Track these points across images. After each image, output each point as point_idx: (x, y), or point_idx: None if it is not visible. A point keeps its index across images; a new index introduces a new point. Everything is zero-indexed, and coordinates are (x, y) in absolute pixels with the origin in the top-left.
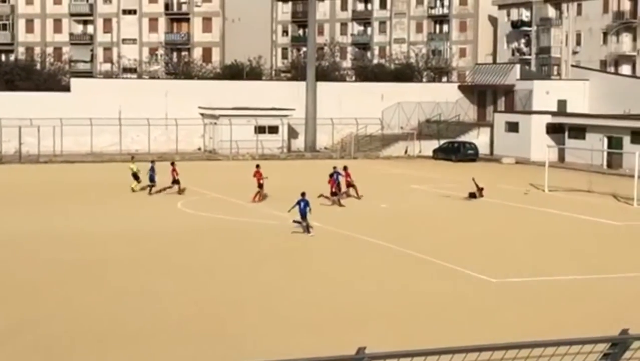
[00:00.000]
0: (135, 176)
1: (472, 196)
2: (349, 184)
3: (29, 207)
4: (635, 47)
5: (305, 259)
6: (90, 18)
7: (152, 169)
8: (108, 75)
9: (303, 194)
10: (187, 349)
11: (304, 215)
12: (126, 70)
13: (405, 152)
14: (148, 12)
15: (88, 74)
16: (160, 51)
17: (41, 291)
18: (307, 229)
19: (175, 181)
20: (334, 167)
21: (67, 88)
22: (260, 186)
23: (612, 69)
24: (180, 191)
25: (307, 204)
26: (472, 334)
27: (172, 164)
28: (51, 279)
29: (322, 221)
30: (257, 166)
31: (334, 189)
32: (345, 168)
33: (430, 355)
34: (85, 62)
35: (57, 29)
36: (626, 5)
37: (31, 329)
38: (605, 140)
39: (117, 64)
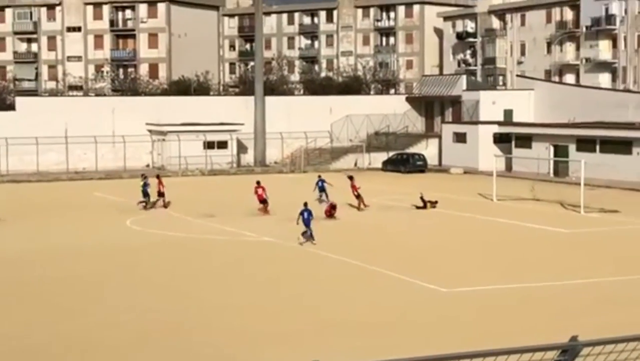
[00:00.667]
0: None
1: (421, 206)
2: (357, 195)
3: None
4: (579, 56)
5: (255, 273)
6: (34, 36)
7: (146, 184)
8: (53, 93)
9: (305, 204)
10: None
11: (307, 224)
12: (72, 87)
13: (355, 164)
14: (93, 29)
15: (33, 93)
16: (106, 68)
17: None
18: (311, 237)
19: (161, 194)
20: (319, 176)
21: (11, 107)
22: (263, 201)
23: (557, 78)
24: (166, 205)
25: (310, 213)
26: (422, 344)
27: (158, 177)
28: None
29: (274, 235)
30: (258, 182)
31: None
32: (350, 178)
33: None
34: (29, 80)
35: (1, 47)
36: (569, 15)
37: None
38: (552, 148)
39: (62, 81)
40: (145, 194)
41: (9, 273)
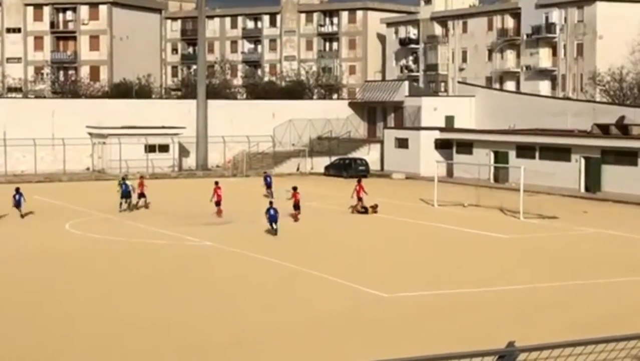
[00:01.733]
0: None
1: (364, 211)
2: (359, 198)
3: None
4: (519, 63)
5: (195, 279)
6: None
7: (126, 185)
8: None
9: (271, 203)
10: None
11: (274, 220)
12: (11, 89)
13: (297, 169)
14: (33, 30)
15: None
16: (47, 70)
17: None
18: (275, 231)
19: (142, 195)
20: (265, 172)
21: None
22: (217, 203)
23: (497, 85)
24: (146, 205)
25: (275, 211)
26: (364, 349)
27: (141, 177)
28: None
29: (215, 239)
30: (216, 183)
31: (295, 202)
32: (359, 181)
33: None
34: None
35: None
36: (510, 23)
37: None
38: (492, 155)
39: (1, 83)
40: (128, 195)
41: None
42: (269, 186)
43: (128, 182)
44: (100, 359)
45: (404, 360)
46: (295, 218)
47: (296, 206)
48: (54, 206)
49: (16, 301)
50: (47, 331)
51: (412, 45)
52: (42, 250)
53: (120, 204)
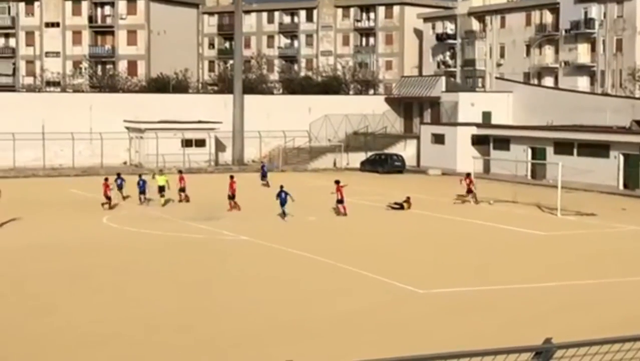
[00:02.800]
0: (161, 189)
1: (399, 207)
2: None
3: None
4: (557, 59)
5: (230, 272)
6: (12, 31)
7: (143, 181)
8: (31, 89)
9: (281, 186)
10: None
11: (283, 204)
12: (49, 83)
13: (334, 164)
14: (72, 24)
15: (10, 88)
16: (85, 64)
17: None
18: (284, 214)
19: (182, 190)
20: (262, 162)
21: None
22: (231, 196)
23: (535, 81)
24: (187, 199)
25: (286, 194)
26: (399, 345)
27: (180, 172)
28: None
29: (252, 234)
30: (231, 177)
31: (339, 197)
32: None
33: None
34: (7, 75)
35: None
36: (548, 18)
37: None
38: (529, 151)
39: (40, 77)
40: (143, 191)
41: None
42: (264, 175)
43: (145, 177)
44: (131, 349)
45: (436, 355)
46: (338, 211)
47: (340, 200)
48: (91, 200)
49: (53, 290)
50: (76, 317)
51: (450, 41)
52: (80, 243)
53: (140, 199)
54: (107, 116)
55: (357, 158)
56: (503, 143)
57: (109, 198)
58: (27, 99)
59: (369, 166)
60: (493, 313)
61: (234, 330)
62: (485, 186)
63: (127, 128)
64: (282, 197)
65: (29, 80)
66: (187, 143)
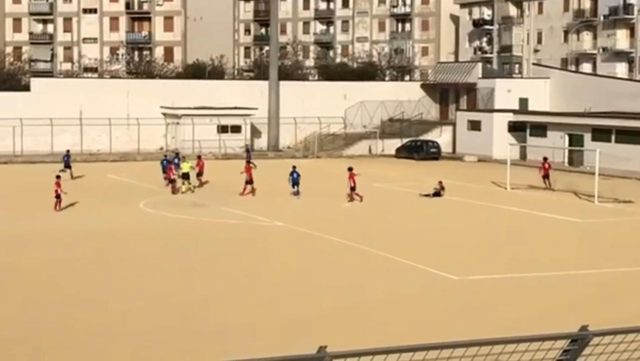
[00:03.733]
0: (186, 176)
1: (435, 194)
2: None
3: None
4: (596, 45)
5: (265, 258)
6: (50, 17)
7: (167, 160)
8: (68, 74)
9: (294, 167)
10: (144, 351)
11: (296, 183)
12: (87, 69)
13: (369, 151)
14: (109, 11)
15: (48, 74)
16: (122, 50)
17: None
18: (297, 193)
19: (200, 174)
20: (246, 145)
21: (27, 88)
22: (249, 181)
23: (573, 67)
24: (201, 183)
25: (298, 175)
26: (433, 331)
27: (198, 157)
28: (10, 282)
29: (287, 220)
30: (248, 162)
31: (352, 184)
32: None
33: (391, 353)
34: (45, 61)
35: (17, 28)
36: (586, 4)
37: None
38: (566, 138)
39: (77, 63)
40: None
41: (29, 256)
42: (249, 158)
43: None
44: (170, 338)
45: (471, 341)
46: (352, 198)
47: (353, 188)
48: (128, 185)
49: (90, 276)
50: (111, 306)
51: (486, 27)
52: (118, 228)
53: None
54: (144, 102)
55: (392, 145)
56: (540, 130)
57: (172, 180)
58: (65, 85)
59: (405, 152)
60: (528, 300)
61: (268, 317)
62: (521, 173)
63: (164, 114)
64: (294, 177)
65: (66, 66)
66: (222, 129)
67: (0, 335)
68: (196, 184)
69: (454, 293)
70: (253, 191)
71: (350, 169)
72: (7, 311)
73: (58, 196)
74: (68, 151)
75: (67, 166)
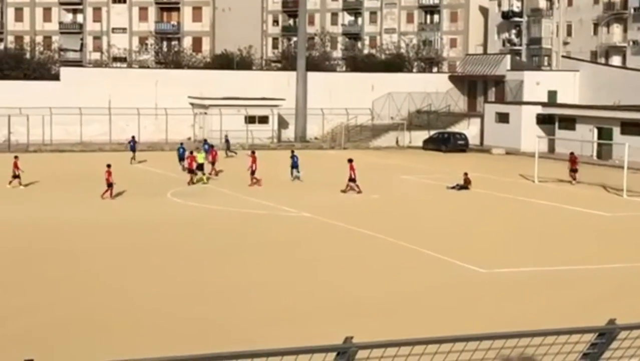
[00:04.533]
0: (200, 167)
1: (462, 187)
2: (352, 179)
3: (16, 196)
4: (626, 38)
5: (293, 249)
6: (80, 7)
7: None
8: (98, 64)
9: (292, 151)
10: (168, 338)
11: (295, 166)
12: (116, 59)
13: (396, 142)
14: (138, 1)
15: (78, 63)
16: (150, 40)
17: (26, 280)
18: (298, 177)
19: (212, 163)
20: (225, 134)
21: (56, 77)
22: (252, 172)
23: (603, 60)
24: (215, 173)
25: (297, 158)
26: (460, 324)
27: (212, 147)
28: (37, 269)
29: (313, 211)
30: (253, 152)
31: (352, 175)
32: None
33: (417, 344)
34: (74, 51)
35: (47, 17)
36: None
37: (16, 318)
38: (596, 131)
39: (106, 53)
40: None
41: (42, 244)
42: (228, 147)
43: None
44: (198, 324)
45: (497, 334)
46: (351, 189)
47: (353, 179)
48: (156, 175)
49: (120, 264)
50: (138, 295)
51: (515, 19)
52: (147, 217)
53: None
54: (172, 92)
55: (419, 136)
56: (569, 123)
57: (191, 171)
58: (94, 74)
59: (432, 144)
60: (555, 294)
61: (295, 307)
62: (549, 166)
63: (192, 104)
64: (294, 160)
65: (95, 55)
66: (250, 120)
67: (33, 320)
68: (211, 172)
69: (480, 286)
70: (258, 181)
71: (350, 160)
72: (41, 297)
73: (110, 185)
74: (133, 137)
75: (132, 150)
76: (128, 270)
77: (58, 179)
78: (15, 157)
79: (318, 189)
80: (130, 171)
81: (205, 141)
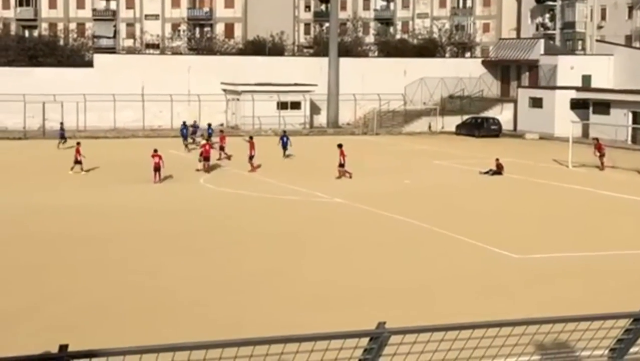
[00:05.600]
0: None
1: (495, 172)
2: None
3: (52, 181)
4: None
5: (325, 234)
6: None
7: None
8: (131, 51)
9: (284, 132)
10: (201, 324)
11: (285, 147)
12: (149, 46)
13: (429, 128)
14: None
15: (111, 50)
16: (183, 27)
17: (60, 266)
18: (286, 156)
19: (222, 148)
20: (194, 122)
21: (90, 64)
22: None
23: (638, 44)
24: (226, 157)
25: (288, 138)
26: (493, 310)
27: (221, 132)
28: (73, 255)
29: (346, 196)
30: (251, 137)
31: (341, 161)
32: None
33: (450, 330)
34: (108, 38)
35: (80, 4)
36: None
37: (46, 306)
38: (630, 115)
39: (139, 39)
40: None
41: (90, 230)
42: (194, 132)
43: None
44: (229, 308)
45: (531, 320)
46: (341, 175)
47: (342, 164)
48: (189, 161)
49: (157, 248)
50: (176, 279)
51: (549, 3)
52: (179, 203)
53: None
54: (204, 78)
55: (452, 122)
56: (603, 107)
57: (207, 158)
58: (127, 61)
59: (465, 129)
60: (589, 279)
61: (328, 292)
62: (583, 151)
63: (224, 90)
64: (284, 141)
65: (129, 42)
66: (282, 106)
67: (72, 303)
68: (221, 157)
69: (514, 272)
70: (208, 169)
71: (340, 145)
72: (80, 280)
73: (157, 169)
74: (195, 121)
75: (184, 137)
76: (165, 255)
77: (115, 165)
78: (78, 143)
79: (356, 176)
80: (165, 157)
81: (209, 125)
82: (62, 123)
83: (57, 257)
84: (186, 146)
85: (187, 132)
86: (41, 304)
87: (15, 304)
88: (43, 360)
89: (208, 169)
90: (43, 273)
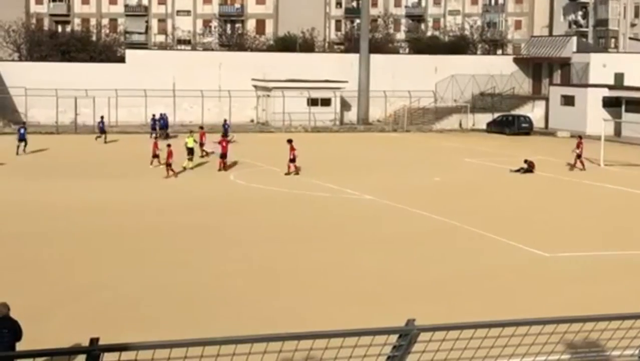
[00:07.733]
0: (190, 151)
1: (526, 170)
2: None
3: (84, 177)
4: None
5: (356, 231)
6: None
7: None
8: (162, 46)
9: (225, 120)
10: (236, 318)
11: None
12: (180, 42)
13: (460, 125)
14: None
15: (143, 46)
16: (214, 23)
17: (98, 258)
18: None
19: (202, 144)
20: (161, 114)
21: (122, 59)
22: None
23: None
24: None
25: (229, 125)
26: (524, 308)
27: (201, 128)
28: (108, 247)
29: (376, 193)
30: (290, 140)
31: (292, 156)
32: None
33: (479, 327)
34: (140, 33)
35: (113, 0)
36: None
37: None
38: None
39: (171, 35)
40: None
41: (111, 222)
42: (164, 126)
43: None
44: (254, 305)
45: (557, 319)
46: (289, 170)
47: (292, 160)
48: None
49: (184, 243)
50: (206, 272)
51: (582, 0)
52: (211, 199)
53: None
54: (235, 74)
55: (483, 119)
56: (636, 106)
57: (222, 155)
58: (159, 56)
59: (496, 127)
60: (621, 278)
61: (358, 288)
62: (616, 150)
63: (255, 86)
64: (225, 127)
65: (160, 38)
66: (313, 102)
67: (104, 296)
68: (200, 155)
69: (544, 270)
70: (225, 166)
71: (290, 140)
72: (110, 274)
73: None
74: (225, 120)
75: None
76: (207, 250)
77: (128, 159)
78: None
79: (379, 171)
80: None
81: (225, 121)
82: (102, 117)
83: (93, 250)
84: (155, 138)
85: (157, 125)
86: (83, 293)
87: (48, 297)
88: (74, 352)
89: (226, 166)
90: (79, 266)
